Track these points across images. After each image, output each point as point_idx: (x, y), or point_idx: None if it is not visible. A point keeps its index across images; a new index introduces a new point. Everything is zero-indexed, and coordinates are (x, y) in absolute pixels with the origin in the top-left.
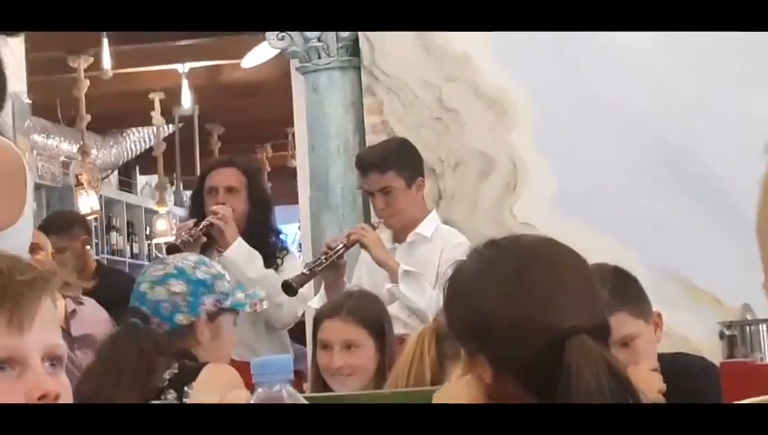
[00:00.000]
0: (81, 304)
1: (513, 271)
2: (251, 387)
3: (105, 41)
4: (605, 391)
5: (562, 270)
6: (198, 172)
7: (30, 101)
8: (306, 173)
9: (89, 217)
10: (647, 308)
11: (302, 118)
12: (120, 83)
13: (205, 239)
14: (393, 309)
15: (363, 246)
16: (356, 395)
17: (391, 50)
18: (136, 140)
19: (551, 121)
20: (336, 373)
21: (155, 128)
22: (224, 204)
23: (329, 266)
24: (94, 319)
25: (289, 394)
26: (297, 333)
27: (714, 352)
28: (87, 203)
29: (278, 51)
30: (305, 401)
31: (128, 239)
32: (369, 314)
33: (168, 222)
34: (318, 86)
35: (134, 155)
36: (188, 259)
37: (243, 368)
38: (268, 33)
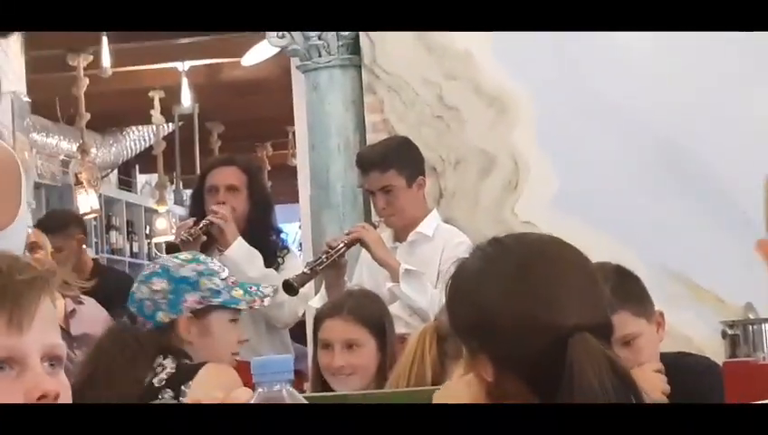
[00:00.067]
0: (81, 303)
1: (516, 269)
2: (251, 387)
3: (105, 39)
4: (608, 389)
5: (566, 268)
6: (198, 171)
7: (29, 100)
8: (306, 172)
9: (88, 216)
10: (649, 307)
11: (303, 116)
12: (120, 82)
13: (205, 238)
14: (394, 308)
15: (364, 245)
16: (357, 395)
17: (392, 48)
18: (136, 138)
19: (551, 120)
20: (337, 373)
21: (155, 126)
22: (224, 203)
23: (330, 266)
24: (94, 318)
25: (289, 394)
26: (298, 332)
27: (716, 351)
28: (86, 202)
29: (278, 49)
30: (306, 401)
31: (127, 238)
32: (371, 313)
33: (167, 221)
34: (318, 84)
35: (134, 154)
36: (179, 257)
37: (243, 368)
38: (268, 32)
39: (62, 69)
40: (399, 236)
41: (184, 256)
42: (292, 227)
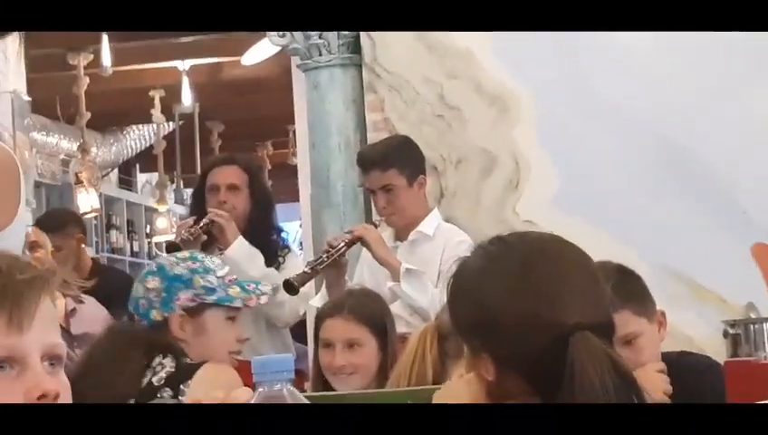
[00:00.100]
0: (82, 302)
1: (519, 267)
2: (251, 386)
3: (105, 38)
4: (609, 388)
5: (568, 267)
6: (199, 170)
7: (29, 99)
8: (307, 171)
9: (89, 216)
10: (650, 306)
11: (303, 115)
12: (120, 81)
13: (205, 237)
14: (395, 308)
15: (365, 244)
16: (357, 394)
17: (393, 47)
18: (136, 137)
19: (552, 120)
20: (338, 372)
21: (155, 125)
22: (225, 202)
23: (330, 265)
24: (94, 317)
25: (290, 393)
26: (299, 331)
27: (718, 350)
28: (87, 201)
29: (279, 48)
30: (306, 401)
31: (128, 237)
32: (372, 312)
33: (168, 220)
34: (319, 83)
35: (134, 153)
36: (176, 256)
37: (244, 367)
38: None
39: (62, 68)
40: (400, 236)
41: (182, 254)
42: (293, 226)
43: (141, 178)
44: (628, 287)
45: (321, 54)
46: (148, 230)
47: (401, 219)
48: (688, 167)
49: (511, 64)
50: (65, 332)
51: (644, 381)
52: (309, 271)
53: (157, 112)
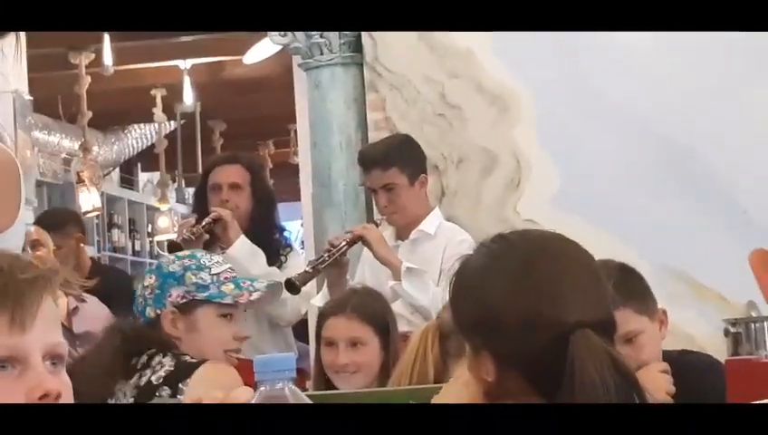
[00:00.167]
0: (84, 301)
1: (521, 265)
2: (253, 385)
3: (106, 37)
4: (609, 386)
5: (569, 264)
6: (200, 169)
7: (31, 98)
8: (308, 170)
9: (90, 215)
10: (651, 305)
11: (305, 114)
12: (122, 80)
13: (207, 236)
14: (396, 307)
15: (366, 243)
16: (358, 393)
17: (394, 46)
18: (137, 136)
19: (552, 119)
20: (341, 371)
21: (156, 124)
22: (227, 201)
23: (332, 264)
24: (96, 316)
25: (292, 392)
26: (300, 330)
27: (719, 349)
28: (88, 200)
29: (280, 47)
30: (308, 400)
31: (129, 237)
32: (374, 311)
33: (169, 219)
34: (320, 82)
35: (136, 152)
36: (177, 254)
37: (245, 366)
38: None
39: (63, 67)
40: (401, 235)
41: (183, 253)
42: (294, 225)
43: (143, 177)
44: (629, 285)
45: (322, 53)
46: (149, 229)
47: (402, 218)
48: (688, 167)
49: (511, 64)
50: (67, 330)
51: (647, 382)
52: (310, 270)
53: (158, 111)
